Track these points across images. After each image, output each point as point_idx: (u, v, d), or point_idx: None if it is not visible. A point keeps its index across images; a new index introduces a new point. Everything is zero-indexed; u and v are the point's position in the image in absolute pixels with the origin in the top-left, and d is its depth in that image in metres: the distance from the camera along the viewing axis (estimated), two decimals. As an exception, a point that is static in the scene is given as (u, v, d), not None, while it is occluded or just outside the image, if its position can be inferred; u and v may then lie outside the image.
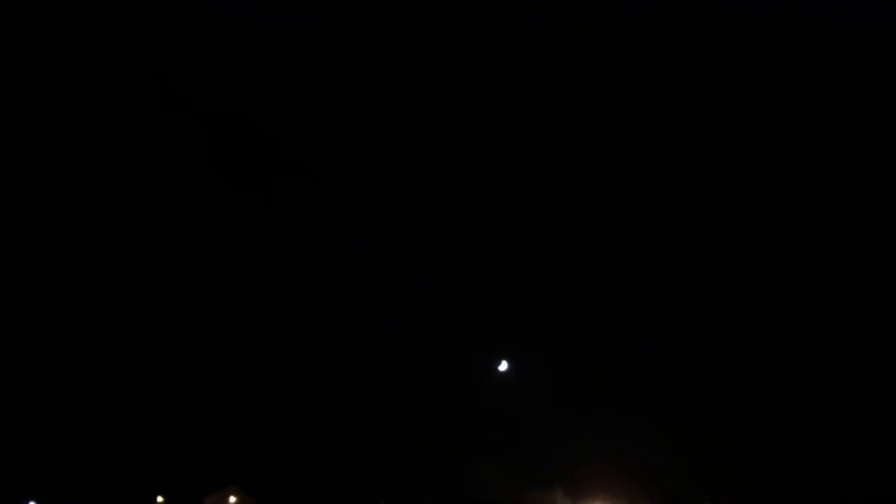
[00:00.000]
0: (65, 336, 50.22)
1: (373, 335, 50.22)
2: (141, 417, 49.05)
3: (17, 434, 47.01)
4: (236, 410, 49.01)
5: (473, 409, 48.93)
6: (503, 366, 42.01)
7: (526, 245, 52.05)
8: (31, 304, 50.54)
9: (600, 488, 47.90)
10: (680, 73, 51.27)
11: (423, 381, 49.89)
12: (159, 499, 48.74)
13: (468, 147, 52.42)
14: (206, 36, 50.40)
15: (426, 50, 52.30)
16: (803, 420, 47.91)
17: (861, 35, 47.39)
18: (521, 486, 47.47)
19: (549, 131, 52.69)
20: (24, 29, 48.20)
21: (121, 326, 50.95)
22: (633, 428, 47.28)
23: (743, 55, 49.84)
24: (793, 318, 49.80)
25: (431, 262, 51.18)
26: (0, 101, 48.36)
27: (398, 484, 47.41)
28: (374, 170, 52.12)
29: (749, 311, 50.78)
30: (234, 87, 52.03)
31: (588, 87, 52.35)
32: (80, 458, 47.75)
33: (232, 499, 45.76)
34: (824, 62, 48.71)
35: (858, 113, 48.92)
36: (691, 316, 50.87)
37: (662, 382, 48.82)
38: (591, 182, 52.30)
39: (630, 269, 52.28)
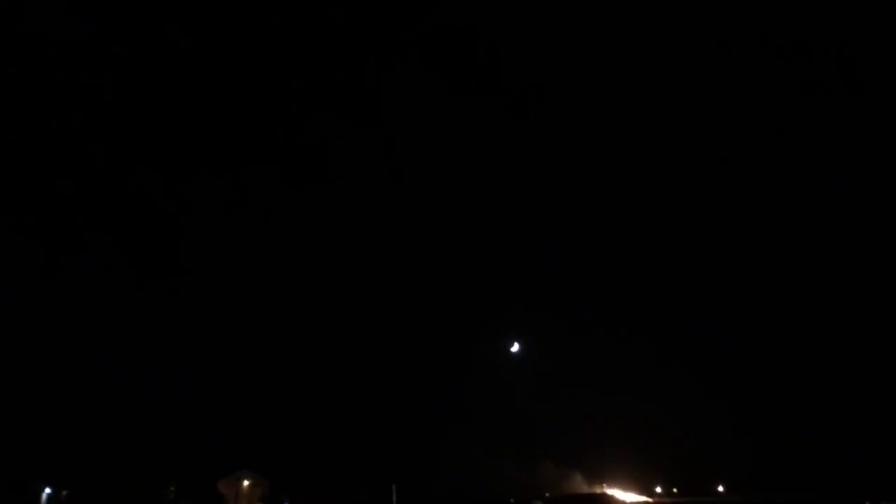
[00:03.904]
0: (81, 329, 51.18)
1: (383, 325, 51.06)
2: (157, 406, 49.80)
3: (35, 423, 47.65)
4: (249, 397, 49.74)
5: (490, 395, 49.49)
6: (515, 347, 42.57)
7: (548, 239, 53.10)
8: (46, 297, 51.57)
9: (618, 472, 48.29)
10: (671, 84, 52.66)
11: (435, 369, 50.56)
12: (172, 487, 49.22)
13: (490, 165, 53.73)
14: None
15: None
16: (814, 407, 48.53)
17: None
18: (540, 470, 47.85)
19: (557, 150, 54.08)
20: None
21: (137, 320, 51.93)
22: (649, 414, 47.91)
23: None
24: (802, 309, 50.68)
25: (453, 253, 52.09)
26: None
27: (408, 469, 47.84)
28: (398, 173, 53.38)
29: (763, 302, 51.64)
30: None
31: (583, 89, 53.82)
32: (97, 446, 48.35)
33: (245, 482, 46.10)
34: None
35: (857, 113, 50.29)
36: (708, 306, 51.77)
37: (677, 369, 49.54)
38: (605, 183, 53.50)
39: (645, 262, 53.24)
